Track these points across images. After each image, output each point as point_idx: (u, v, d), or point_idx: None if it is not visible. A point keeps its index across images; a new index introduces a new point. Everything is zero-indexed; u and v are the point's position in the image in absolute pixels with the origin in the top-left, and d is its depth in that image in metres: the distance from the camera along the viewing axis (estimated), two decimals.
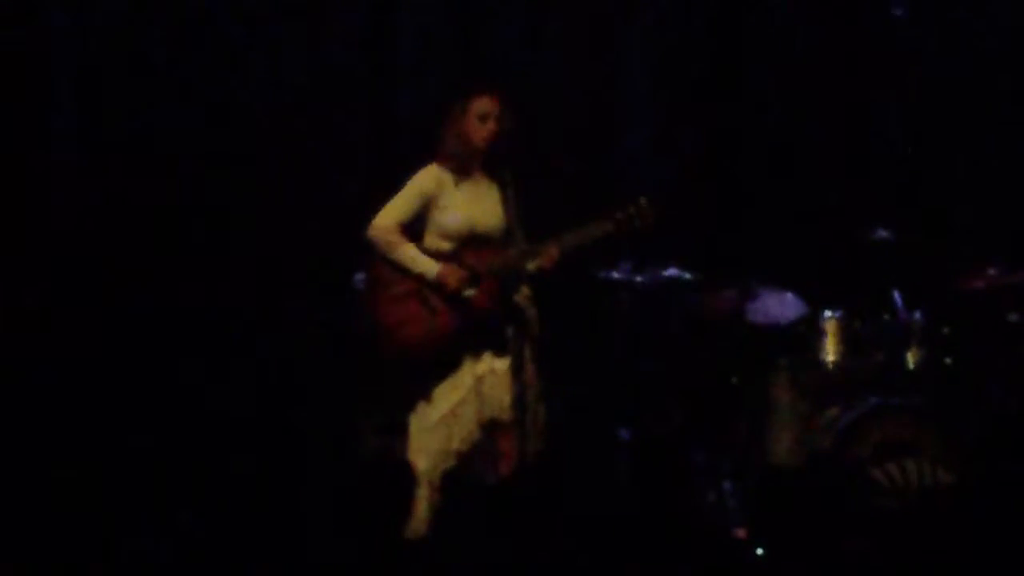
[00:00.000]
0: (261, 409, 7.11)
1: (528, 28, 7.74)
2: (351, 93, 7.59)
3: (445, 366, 5.59)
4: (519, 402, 5.53)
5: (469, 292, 5.57)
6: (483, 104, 5.60)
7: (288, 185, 7.44)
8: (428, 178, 5.63)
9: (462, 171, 5.64)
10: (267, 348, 7.28)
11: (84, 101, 7.31)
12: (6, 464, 6.41)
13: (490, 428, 5.60)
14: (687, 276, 6.90)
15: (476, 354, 5.59)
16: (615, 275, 6.90)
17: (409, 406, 5.64)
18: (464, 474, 5.57)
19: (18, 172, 7.15)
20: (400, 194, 5.64)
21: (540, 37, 7.75)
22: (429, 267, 5.55)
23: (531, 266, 5.59)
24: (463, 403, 5.56)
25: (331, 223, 7.26)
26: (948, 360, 6.50)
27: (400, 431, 5.75)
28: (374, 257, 5.63)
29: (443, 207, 5.61)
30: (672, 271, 6.90)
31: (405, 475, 5.61)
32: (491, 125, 5.59)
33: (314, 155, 7.48)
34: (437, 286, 5.55)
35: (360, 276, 5.91)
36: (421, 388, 5.61)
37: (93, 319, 7.12)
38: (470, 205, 5.62)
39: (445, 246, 5.62)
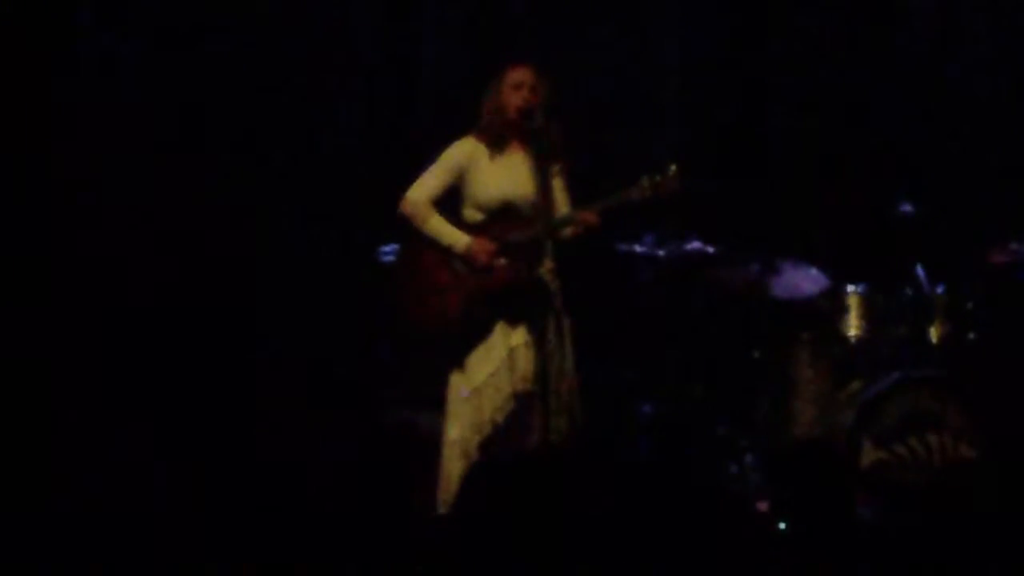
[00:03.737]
0: (282, 381, 7.12)
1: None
2: (373, 64, 7.59)
3: (479, 336, 5.60)
4: (542, 375, 5.55)
5: (500, 263, 5.59)
6: (517, 74, 5.62)
7: (311, 155, 7.44)
8: (461, 150, 5.66)
9: (497, 143, 5.66)
10: (288, 321, 7.29)
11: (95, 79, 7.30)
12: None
13: (523, 400, 5.61)
14: (710, 250, 6.88)
15: (510, 325, 5.60)
16: (637, 249, 6.88)
17: (441, 377, 5.66)
18: (498, 446, 5.57)
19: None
20: (433, 167, 5.68)
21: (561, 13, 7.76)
22: (458, 240, 5.59)
23: (567, 234, 5.62)
24: (496, 373, 5.57)
25: (353, 195, 7.28)
26: (971, 335, 6.49)
27: (424, 404, 5.76)
28: (409, 230, 5.65)
29: (477, 180, 5.64)
30: (695, 245, 6.87)
31: (429, 448, 5.63)
32: (524, 93, 5.60)
33: (335, 127, 7.49)
34: (467, 259, 5.58)
35: (385, 249, 5.91)
36: (455, 358, 5.63)
37: (113, 290, 7.12)
38: (504, 177, 5.64)
39: (480, 218, 5.66)
